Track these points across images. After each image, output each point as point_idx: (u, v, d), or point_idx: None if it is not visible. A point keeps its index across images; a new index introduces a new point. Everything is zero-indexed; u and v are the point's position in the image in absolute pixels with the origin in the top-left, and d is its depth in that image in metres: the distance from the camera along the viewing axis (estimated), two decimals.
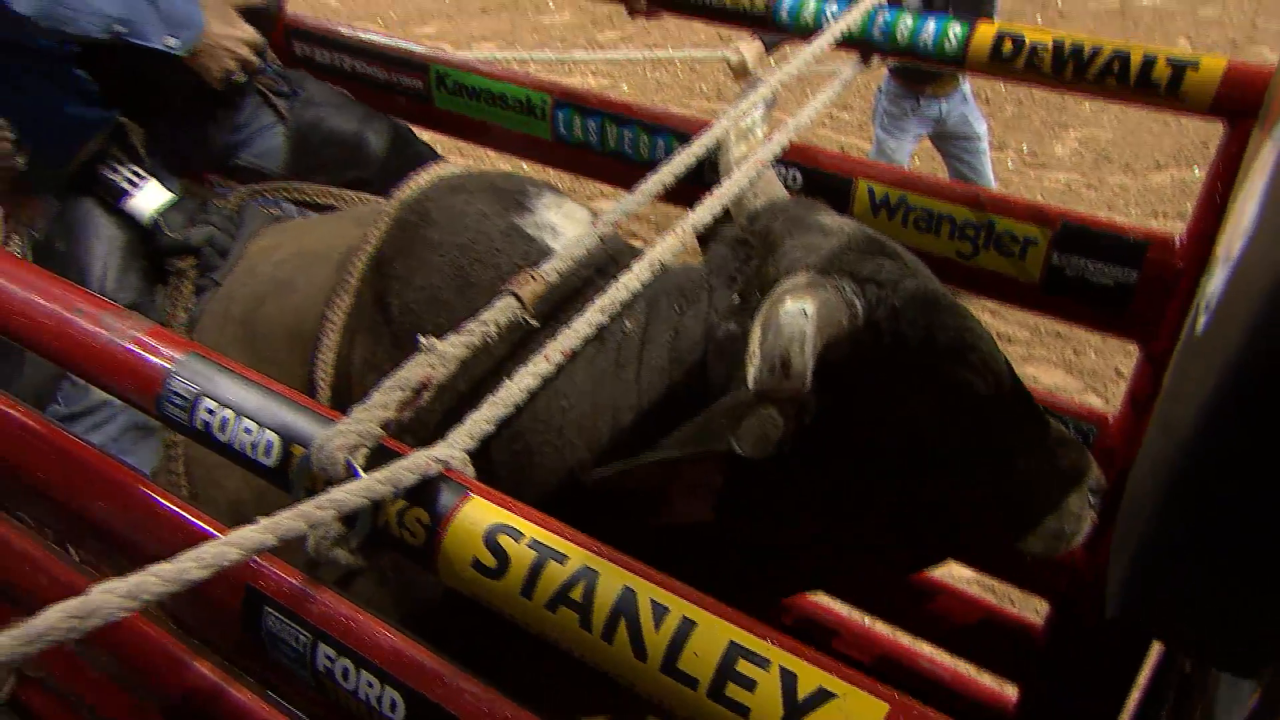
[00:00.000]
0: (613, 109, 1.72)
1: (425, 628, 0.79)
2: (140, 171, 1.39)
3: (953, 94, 3.07)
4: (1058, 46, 1.33)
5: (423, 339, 0.81)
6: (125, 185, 1.38)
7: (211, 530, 0.88)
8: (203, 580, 0.60)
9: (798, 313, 0.85)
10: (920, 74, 2.94)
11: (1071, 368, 3.18)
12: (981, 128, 3.20)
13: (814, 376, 0.85)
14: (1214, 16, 5.69)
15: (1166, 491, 0.38)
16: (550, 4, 5.82)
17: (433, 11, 5.83)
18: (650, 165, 1.67)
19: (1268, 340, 0.31)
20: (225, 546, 0.60)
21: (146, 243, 1.39)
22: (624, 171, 1.74)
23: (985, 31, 1.37)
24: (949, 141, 3.20)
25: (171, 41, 1.33)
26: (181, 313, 1.38)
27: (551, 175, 3.95)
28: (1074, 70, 1.34)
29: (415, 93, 1.93)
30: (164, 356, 0.82)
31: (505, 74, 1.85)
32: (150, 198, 1.38)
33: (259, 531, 0.62)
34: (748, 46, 2.78)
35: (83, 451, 0.96)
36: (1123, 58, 1.31)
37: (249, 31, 1.47)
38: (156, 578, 0.58)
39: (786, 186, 1.54)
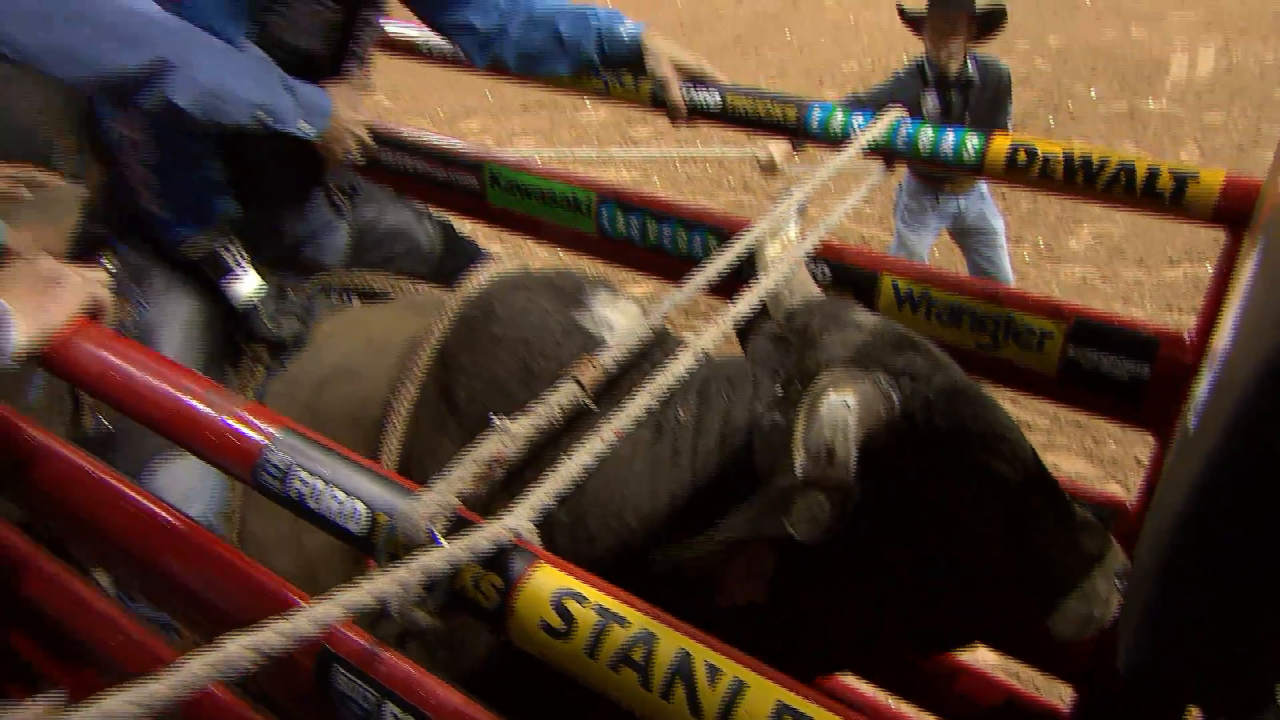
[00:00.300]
0: (654, 206, 1.82)
1: (473, 685, 0.84)
2: (245, 256, 1.46)
3: (970, 191, 3.16)
4: (1068, 157, 1.41)
5: (495, 418, 0.88)
6: (233, 265, 1.45)
7: (291, 595, 0.94)
8: (302, 641, 0.66)
9: (840, 404, 0.91)
10: (937, 175, 3.04)
11: (1092, 456, 3.19)
12: (998, 223, 3.28)
13: (855, 464, 0.90)
14: (1219, 122, 5.81)
15: (1162, 565, 0.43)
16: (587, 103, 6.05)
17: (477, 109, 6.09)
18: (689, 259, 1.78)
19: (1241, 441, 0.37)
20: (331, 607, 0.66)
21: (229, 322, 1.46)
22: (664, 264, 1.83)
23: (1000, 143, 1.46)
24: (967, 236, 3.28)
25: (306, 126, 1.36)
26: (249, 393, 1.45)
27: (595, 267, 4.10)
28: (1084, 179, 1.41)
29: (470, 189, 2.04)
30: (262, 431, 0.89)
31: (554, 173, 1.96)
32: (249, 283, 1.45)
33: (358, 593, 0.67)
34: (776, 145, 2.89)
35: (174, 517, 1.03)
36: (1129, 169, 1.38)
37: (368, 115, 1.52)
38: (252, 645, 0.63)
39: (816, 280, 1.61)
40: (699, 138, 5.45)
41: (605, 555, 1.09)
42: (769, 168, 2.93)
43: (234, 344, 1.48)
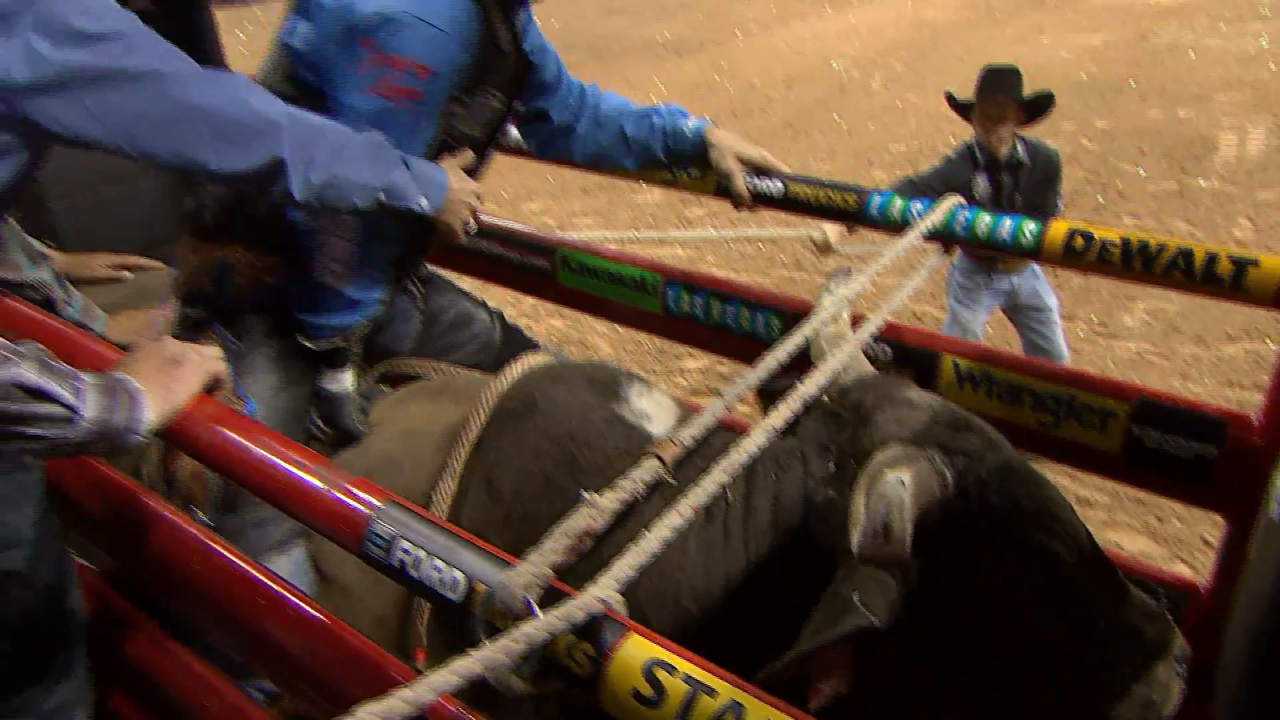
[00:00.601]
0: (717, 286, 1.87)
1: None
2: (358, 354, 1.51)
3: (1023, 269, 3.15)
4: (1125, 243, 1.43)
5: (585, 493, 0.91)
6: (346, 361, 1.50)
7: (392, 666, 0.98)
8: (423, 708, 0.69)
9: (896, 482, 0.92)
10: (990, 254, 3.05)
11: (1155, 534, 3.10)
12: (1052, 300, 3.26)
13: (912, 542, 0.91)
14: (1273, 199, 5.73)
15: (1252, 653, 0.44)
16: (643, 184, 6.21)
17: (539, 190, 6.27)
18: (751, 337, 1.82)
19: None
20: (447, 675, 0.69)
21: (318, 405, 1.51)
22: (726, 342, 1.88)
23: (1058, 228, 1.48)
24: (1021, 313, 3.27)
25: (424, 201, 1.35)
26: None
27: (660, 344, 4.16)
28: (1141, 264, 1.42)
29: (542, 271, 2.12)
30: (366, 503, 0.94)
31: (621, 255, 2.03)
32: (348, 380, 1.50)
33: (470, 662, 0.71)
34: (830, 226, 2.93)
35: (291, 594, 1.08)
36: (1186, 254, 1.39)
37: (477, 185, 1.52)
38: (382, 713, 0.66)
39: (876, 360, 1.64)
40: (753, 217, 5.54)
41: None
42: (824, 247, 2.97)
43: (304, 424, 1.51)
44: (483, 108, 1.51)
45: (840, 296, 1.35)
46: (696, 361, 4.18)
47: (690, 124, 1.78)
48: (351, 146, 1.28)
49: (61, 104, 1.05)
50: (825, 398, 1.21)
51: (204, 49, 2.62)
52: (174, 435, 1.07)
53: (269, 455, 1.00)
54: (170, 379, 1.06)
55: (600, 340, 4.40)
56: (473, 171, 1.56)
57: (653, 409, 1.31)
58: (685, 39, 11.12)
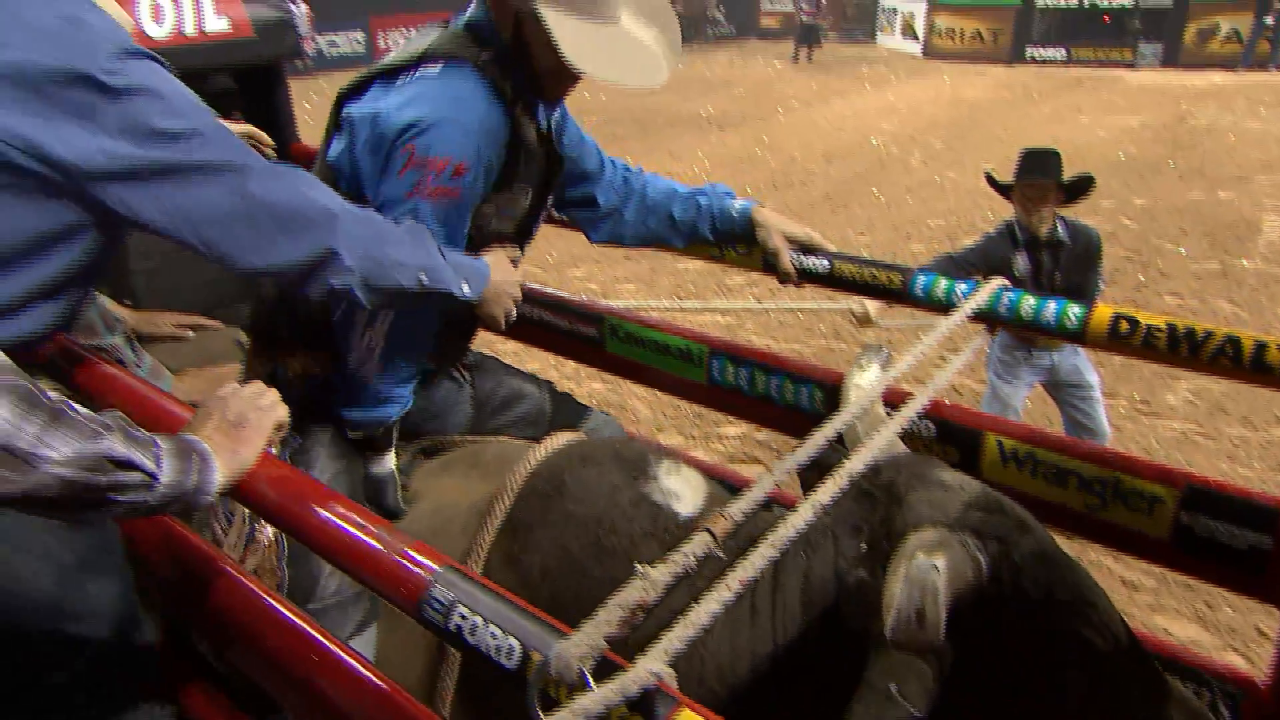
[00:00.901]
0: (762, 359, 1.88)
1: None
2: (395, 439, 1.54)
3: (1063, 347, 3.12)
4: (1171, 329, 1.42)
5: (639, 566, 0.92)
6: (385, 448, 1.52)
7: None
8: None
9: (930, 567, 0.91)
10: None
11: (1206, 622, 2.98)
12: (1093, 377, 3.22)
13: (945, 627, 0.90)
14: None
15: None
16: (685, 258, 6.30)
17: (584, 256, 6.38)
18: (794, 409, 1.82)
19: None
20: None
21: (366, 486, 1.52)
22: (770, 413, 1.88)
23: (1103, 313, 1.48)
24: (1062, 390, 3.23)
25: (465, 288, 1.37)
26: None
27: (699, 410, 4.17)
28: (1188, 350, 1.41)
29: (590, 339, 2.15)
30: (425, 568, 0.95)
31: (668, 326, 2.06)
32: (389, 463, 1.53)
33: None
34: (871, 302, 2.95)
35: (351, 656, 1.09)
36: (1234, 342, 1.37)
37: (520, 276, 1.55)
38: None
39: (919, 437, 1.63)
40: (790, 290, 5.57)
41: None
42: (864, 319, 2.98)
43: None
44: (512, 204, 1.55)
45: (884, 377, 1.36)
46: (734, 428, 4.17)
47: (737, 205, 1.80)
48: (395, 231, 1.31)
49: (133, 193, 1.08)
50: (873, 481, 1.18)
51: (280, 122, 2.74)
52: (243, 495, 1.10)
53: (330, 515, 1.02)
54: (237, 441, 1.09)
55: (640, 404, 4.42)
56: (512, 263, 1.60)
57: (681, 487, 1.30)
58: (728, 114, 11.37)
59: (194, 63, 2.21)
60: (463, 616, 0.89)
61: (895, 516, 1.09)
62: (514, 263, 1.55)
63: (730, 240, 1.85)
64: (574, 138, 1.73)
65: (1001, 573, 1.01)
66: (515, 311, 1.53)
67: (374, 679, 1.10)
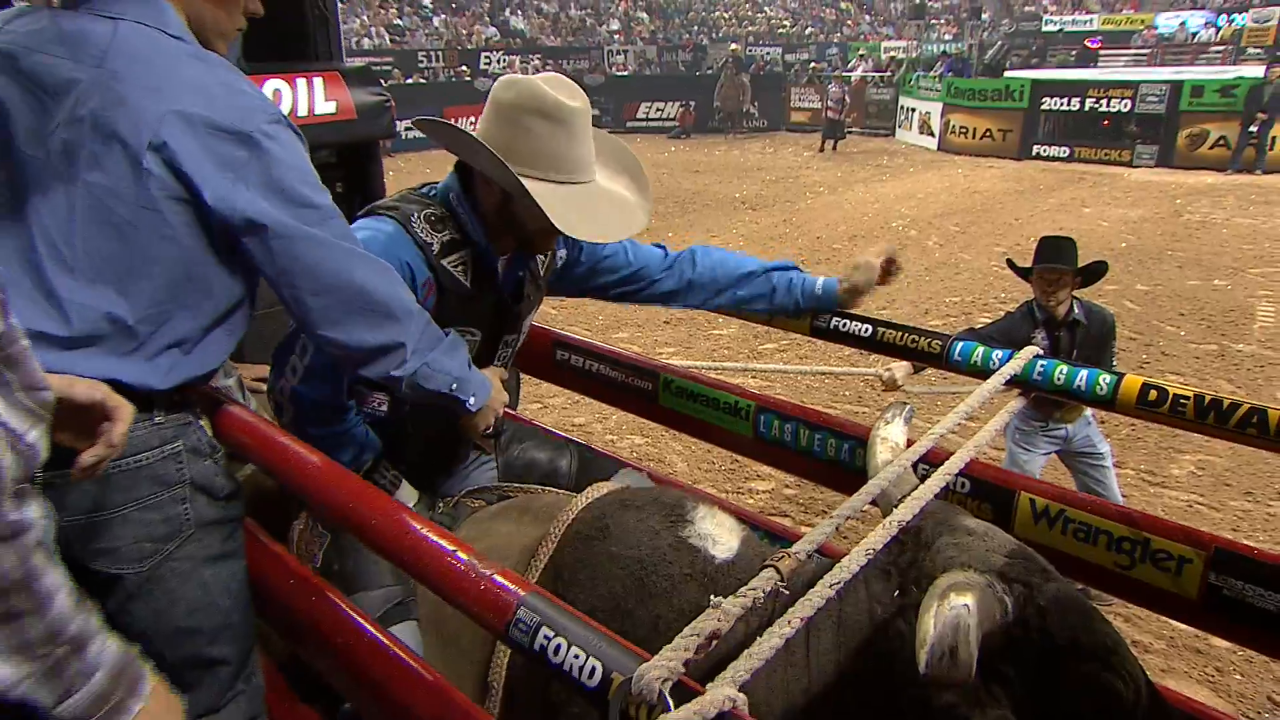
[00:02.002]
0: (807, 416, 1.87)
1: None
2: (399, 475, 1.55)
3: (1078, 420, 3.08)
4: (1199, 399, 1.39)
5: (713, 597, 0.91)
6: (389, 486, 1.52)
7: None
8: None
9: (962, 607, 0.88)
10: (1050, 402, 2.98)
11: (1217, 687, 2.83)
12: (1105, 447, 3.16)
13: (976, 665, 0.86)
14: None
15: None
16: (720, 320, 6.32)
17: (627, 320, 6.43)
18: (836, 464, 1.80)
19: None
20: None
21: None
22: (815, 468, 1.86)
23: (1132, 382, 1.46)
24: (1075, 458, 3.17)
25: (472, 400, 1.37)
26: None
27: (731, 465, 4.14)
28: (1215, 419, 1.38)
29: (645, 393, 2.15)
30: (512, 593, 0.94)
31: (718, 383, 2.06)
32: (408, 495, 1.54)
33: None
34: (898, 365, 2.93)
35: (422, 667, 1.08)
36: (1261, 413, 1.35)
37: (505, 397, 1.53)
38: None
39: (956, 492, 1.60)
40: (816, 353, 5.56)
41: None
42: (891, 385, 2.96)
43: None
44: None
45: (933, 433, 1.34)
46: (764, 484, 4.13)
47: (820, 281, 1.82)
48: (445, 341, 1.33)
49: (254, 242, 1.12)
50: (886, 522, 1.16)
51: (373, 192, 2.83)
52: (353, 525, 1.11)
53: (431, 546, 1.03)
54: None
55: (676, 458, 4.39)
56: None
57: (717, 531, 1.28)
58: (760, 196, 11.50)
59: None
60: (547, 638, 0.89)
61: (924, 560, 1.06)
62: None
63: (805, 313, 1.85)
64: (601, 256, 1.77)
65: (1028, 616, 0.98)
66: (495, 426, 1.50)
67: (429, 676, 1.08)
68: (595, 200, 1.45)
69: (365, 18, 20.00)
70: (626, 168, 1.56)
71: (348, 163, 2.85)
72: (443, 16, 22.30)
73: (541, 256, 1.68)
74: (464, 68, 18.56)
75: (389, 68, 17.00)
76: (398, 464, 1.58)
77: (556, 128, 1.38)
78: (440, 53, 18.98)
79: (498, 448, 1.81)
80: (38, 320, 1.05)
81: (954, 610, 0.87)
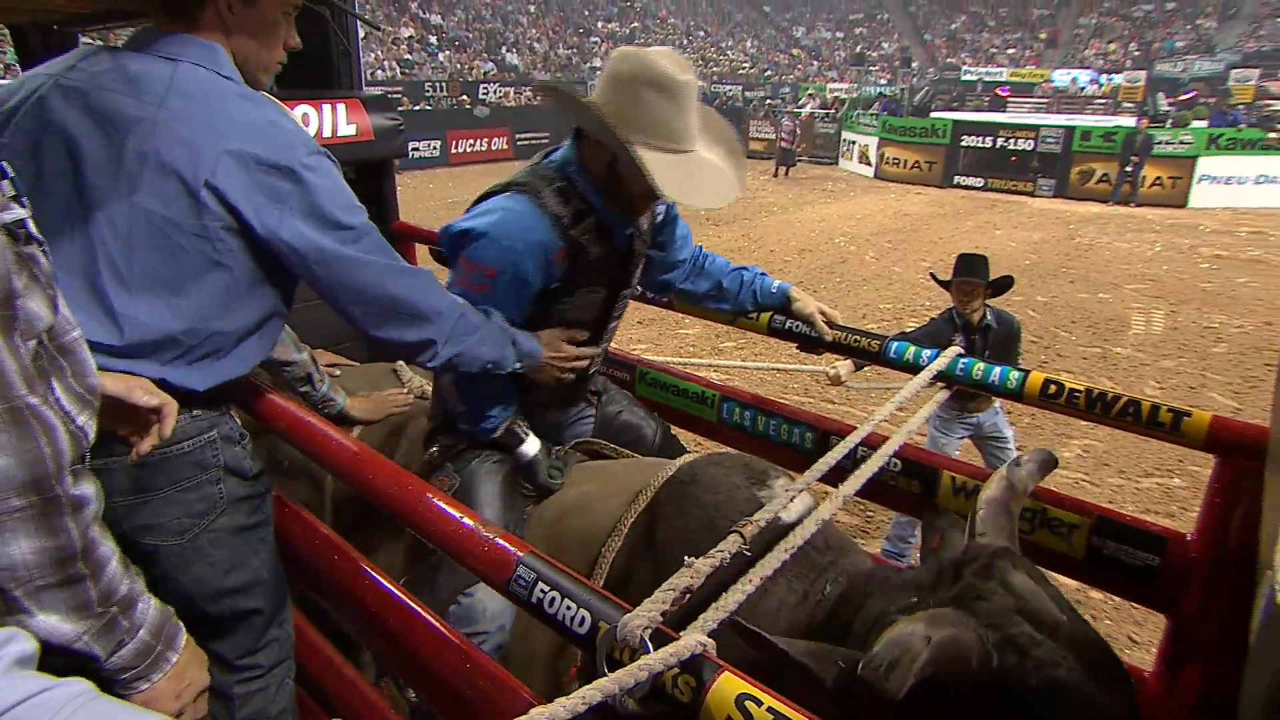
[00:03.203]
0: (763, 405, 1.89)
1: None
2: (528, 428, 1.54)
3: (988, 409, 3.15)
4: (1089, 392, 1.43)
5: (687, 558, 0.92)
6: (522, 436, 1.51)
7: (525, 693, 0.96)
8: None
9: (921, 638, 0.77)
10: (965, 394, 3.04)
11: None
12: (1010, 432, 3.22)
13: (906, 690, 0.74)
14: (1173, 367, 5.68)
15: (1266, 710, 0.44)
16: (686, 320, 6.33)
17: None
18: (788, 446, 1.82)
19: None
20: (580, 696, 0.69)
21: (517, 472, 1.51)
22: (769, 450, 1.88)
23: (1037, 378, 1.49)
24: (985, 442, 3.23)
25: (519, 366, 1.39)
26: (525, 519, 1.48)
27: (699, 447, 4.14)
28: (1101, 409, 1.42)
29: (624, 382, 2.16)
30: (512, 554, 0.95)
31: (687, 375, 2.07)
32: (532, 445, 1.52)
33: (609, 682, 0.70)
34: (842, 364, 2.96)
35: (460, 641, 1.08)
36: (1136, 404, 1.39)
37: (572, 351, 1.53)
38: (565, 709, 0.67)
39: (891, 471, 1.63)
40: (771, 351, 5.60)
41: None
42: (835, 380, 2.99)
43: (517, 485, 1.52)
44: (589, 300, 1.52)
45: (876, 419, 1.36)
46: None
47: (775, 283, 1.81)
48: (482, 330, 1.32)
49: (304, 265, 1.11)
50: (970, 555, 0.96)
51: (388, 205, 2.80)
52: (374, 496, 1.10)
53: (444, 516, 1.03)
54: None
55: None
56: (597, 338, 1.60)
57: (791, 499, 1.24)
58: (722, 214, 11.48)
59: None
60: (543, 591, 0.89)
61: (945, 590, 0.92)
62: (581, 344, 1.55)
63: (766, 310, 1.83)
64: (678, 237, 1.72)
65: (1010, 681, 0.81)
66: (566, 377, 1.53)
67: (452, 638, 1.08)
68: (695, 168, 1.38)
69: (379, 52, 19.67)
70: (724, 140, 1.48)
71: (365, 178, 2.80)
72: (447, 53, 22.02)
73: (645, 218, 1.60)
74: (465, 97, 18.31)
75: (399, 96, 16.75)
76: (527, 407, 1.57)
77: (665, 99, 1.32)
78: (444, 84, 18.69)
79: (598, 405, 1.77)
80: (94, 331, 1.04)
81: (910, 636, 0.77)
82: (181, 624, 0.92)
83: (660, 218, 1.69)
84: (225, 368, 1.15)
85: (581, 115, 1.38)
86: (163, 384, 1.06)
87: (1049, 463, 1.14)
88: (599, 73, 1.40)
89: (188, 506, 1.14)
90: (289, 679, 1.28)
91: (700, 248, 1.84)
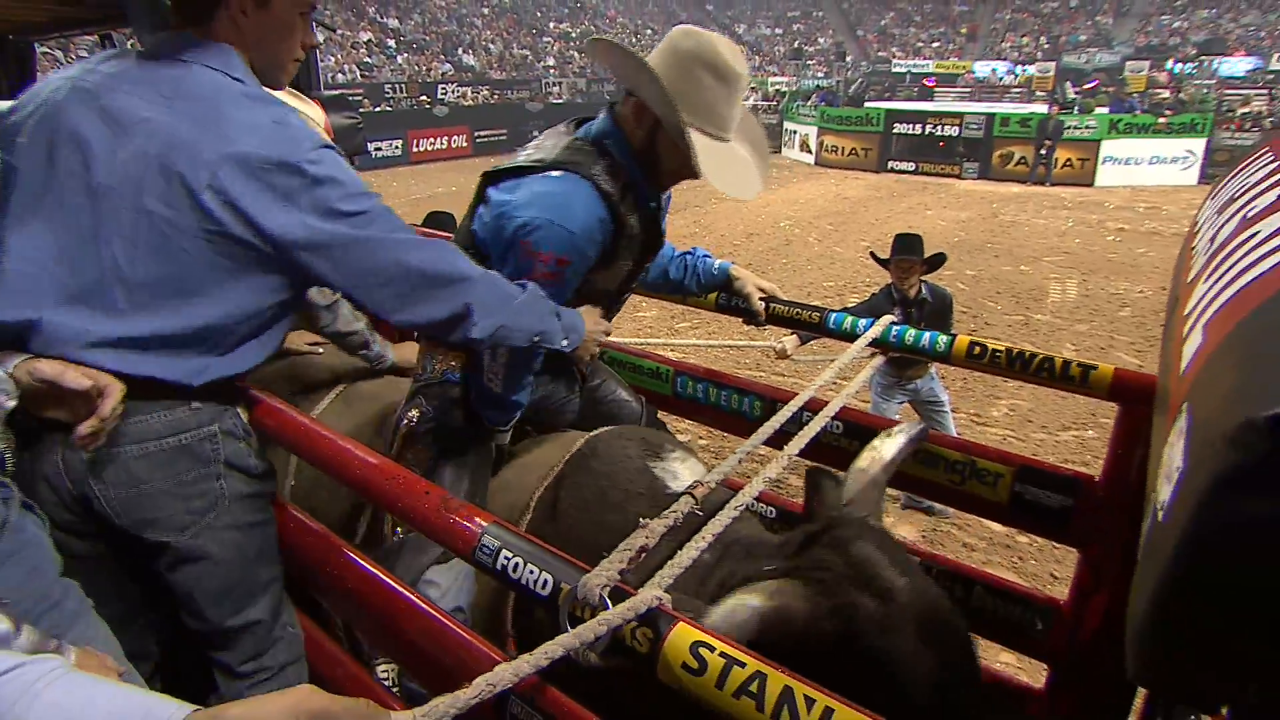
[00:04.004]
0: (715, 378, 1.90)
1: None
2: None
3: (925, 375, 3.22)
4: (1009, 351, 1.47)
5: (642, 519, 0.91)
6: (509, 431, 1.48)
7: (494, 654, 0.95)
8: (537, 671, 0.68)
9: (747, 607, 0.80)
10: (904, 362, 3.11)
11: (1019, 570, 3.06)
12: (945, 396, 3.31)
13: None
14: (1086, 330, 5.90)
15: (1154, 602, 0.45)
16: (644, 304, 6.33)
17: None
18: (739, 414, 1.83)
19: (1208, 522, 0.41)
20: (544, 651, 0.68)
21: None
22: (722, 418, 1.89)
23: (962, 341, 1.52)
24: (922, 405, 3.31)
25: (565, 342, 1.28)
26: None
27: (669, 419, 4.14)
28: (1020, 366, 1.46)
29: None
30: (477, 524, 0.93)
31: (644, 353, 2.07)
32: (505, 437, 1.48)
33: (570, 637, 0.70)
34: (789, 339, 3.00)
35: (434, 610, 1.06)
36: (1050, 360, 1.43)
37: (608, 325, 1.45)
38: (528, 664, 0.66)
39: (832, 433, 1.65)
40: (724, 329, 5.63)
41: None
42: (782, 354, 3.02)
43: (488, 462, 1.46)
44: (618, 270, 1.45)
45: (815, 385, 1.38)
46: (683, 436, 4.18)
47: (717, 264, 1.78)
48: (520, 299, 1.21)
49: (318, 259, 1.04)
50: (822, 526, 1.00)
51: None
52: (347, 479, 1.08)
53: (411, 491, 1.01)
54: None
55: None
56: (612, 307, 1.52)
57: (681, 470, 1.28)
58: (674, 202, 11.48)
59: None
60: (506, 558, 0.88)
61: (812, 557, 0.94)
62: (612, 308, 1.50)
63: (709, 290, 1.79)
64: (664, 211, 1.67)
65: (838, 648, 0.83)
66: (596, 353, 1.48)
67: (428, 608, 1.06)
68: (733, 157, 1.33)
69: (339, 56, 19.03)
70: (754, 138, 1.42)
71: None
72: (405, 55, 21.41)
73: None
74: (424, 97, 17.87)
75: (360, 98, 16.25)
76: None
77: (722, 86, 1.26)
78: (403, 85, 18.18)
79: (582, 384, 1.67)
80: (98, 326, 0.99)
81: (739, 607, 0.80)
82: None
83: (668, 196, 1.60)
84: (221, 366, 1.08)
85: (646, 84, 1.28)
86: (156, 381, 1.01)
87: (920, 436, 1.19)
88: (657, 45, 1.32)
89: (187, 502, 1.08)
90: (302, 681, 1.22)
91: None
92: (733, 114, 1.32)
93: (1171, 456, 0.52)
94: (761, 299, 1.77)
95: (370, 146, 14.97)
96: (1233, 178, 1.28)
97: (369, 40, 20.89)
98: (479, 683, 0.65)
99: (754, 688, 0.69)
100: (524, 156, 1.36)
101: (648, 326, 5.93)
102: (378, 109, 16.53)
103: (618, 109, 1.38)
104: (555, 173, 1.30)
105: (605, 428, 1.40)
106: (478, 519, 0.94)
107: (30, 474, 1.05)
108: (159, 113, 1.01)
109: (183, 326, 1.03)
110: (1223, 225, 0.98)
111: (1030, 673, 2.28)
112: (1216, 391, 0.49)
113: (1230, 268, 0.72)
